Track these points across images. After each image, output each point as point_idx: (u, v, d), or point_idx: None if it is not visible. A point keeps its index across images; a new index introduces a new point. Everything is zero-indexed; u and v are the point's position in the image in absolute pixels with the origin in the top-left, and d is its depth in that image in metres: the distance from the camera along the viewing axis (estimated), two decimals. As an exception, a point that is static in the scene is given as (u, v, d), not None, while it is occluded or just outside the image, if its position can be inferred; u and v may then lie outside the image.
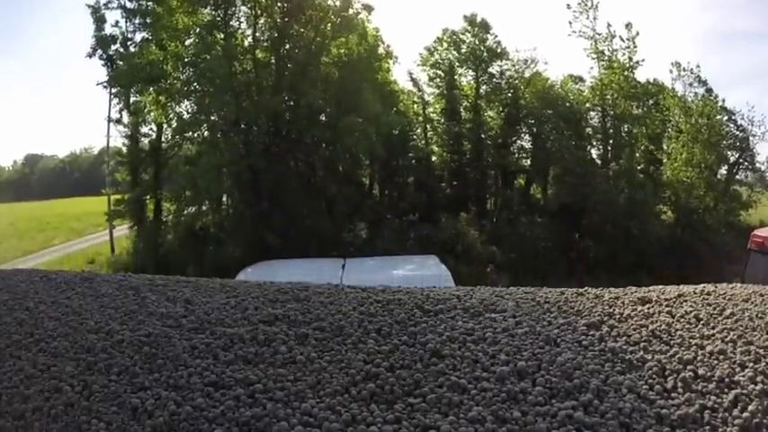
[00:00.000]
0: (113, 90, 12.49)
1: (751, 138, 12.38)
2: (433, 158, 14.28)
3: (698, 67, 12.68)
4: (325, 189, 11.19)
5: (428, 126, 14.29)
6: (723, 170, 12.84)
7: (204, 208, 11.38)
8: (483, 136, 13.96)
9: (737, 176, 12.95)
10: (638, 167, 12.84)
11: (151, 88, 11.30)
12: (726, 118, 12.40)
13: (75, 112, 56.06)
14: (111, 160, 13.47)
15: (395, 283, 5.63)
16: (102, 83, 12.13)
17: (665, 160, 12.94)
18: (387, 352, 1.38)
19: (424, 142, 14.22)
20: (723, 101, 12.43)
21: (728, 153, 12.59)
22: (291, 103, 11.21)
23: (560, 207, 13.17)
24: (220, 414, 1.45)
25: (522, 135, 14.46)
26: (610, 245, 11.77)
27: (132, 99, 12.27)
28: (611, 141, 13.75)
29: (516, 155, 14.38)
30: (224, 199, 11.87)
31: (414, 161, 13.63)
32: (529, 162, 14.57)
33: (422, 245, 10.50)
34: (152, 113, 11.66)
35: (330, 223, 10.35)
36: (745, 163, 12.72)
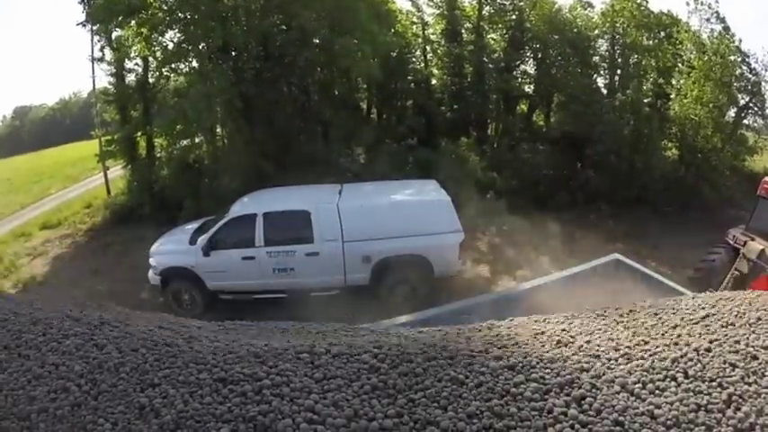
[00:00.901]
0: (93, 28, 11.80)
1: (763, 83, 11.92)
2: (433, 81, 13.76)
3: (717, 2, 11.91)
4: (320, 114, 10.81)
5: (428, 48, 13.69)
6: (731, 113, 12.43)
7: (197, 140, 11.03)
8: (485, 59, 13.38)
9: (745, 121, 12.60)
10: (645, 101, 12.41)
11: (132, 21, 10.62)
12: (740, 59, 11.88)
13: (59, 58, 54.39)
14: (99, 101, 12.97)
15: (394, 208, 5.37)
16: (80, 23, 11.44)
17: (673, 95, 12.45)
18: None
19: (423, 65, 13.65)
20: (740, 41, 11.86)
21: (739, 96, 12.14)
22: (282, 25, 10.57)
23: (563, 135, 12.94)
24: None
25: (526, 60, 13.89)
26: (612, 177, 11.60)
27: (114, 35, 11.59)
28: (618, 71, 13.25)
29: (519, 80, 13.86)
30: (218, 130, 11.49)
31: (413, 84, 13.13)
32: (532, 88, 14.06)
33: (421, 169, 10.24)
34: (135, 47, 11.03)
35: (327, 149, 10.09)
36: (755, 108, 12.30)
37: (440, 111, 13.36)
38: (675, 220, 10.49)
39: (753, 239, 6.92)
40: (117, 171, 12.89)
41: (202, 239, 7.44)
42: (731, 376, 2.09)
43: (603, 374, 2.12)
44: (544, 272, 8.98)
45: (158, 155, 11.45)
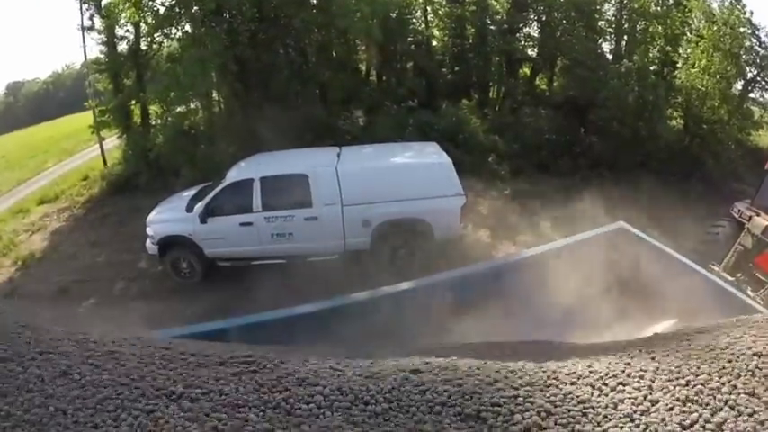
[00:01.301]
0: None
1: (771, 57, 11.55)
2: (434, 43, 13.33)
3: (729, -30, 11.45)
4: (318, 76, 10.51)
5: (428, 8, 13.18)
6: (738, 85, 12.15)
7: (192, 106, 10.79)
8: (488, 21, 12.93)
9: (751, 95, 12.33)
10: (651, 68, 12.06)
11: (121, -15, 10.26)
12: (750, 31, 11.53)
13: (49, 31, 53.32)
14: (91, 71, 12.67)
15: (394, 171, 5.14)
16: (68, -7, 11.03)
17: (679, 64, 12.08)
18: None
19: (423, 26, 13.18)
20: (751, 13, 11.50)
21: (747, 69, 11.85)
22: (277, -15, 10.19)
23: (566, 100, 12.68)
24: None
25: (530, 22, 13.39)
26: (616, 144, 11.37)
27: (103, 2, 11.23)
28: (625, 37, 12.88)
29: (522, 42, 13.38)
30: (213, 95, 11.23)
31: (413, 45, 12.69)
32: (535, 51, 13.61)
33: (421, 132, 10.01)
34: (125, 13, 10.70)
35: (325, 112, 9.84)
36: (763, 81, 12.04)
37: (440, 73, 13.00)
38: (678, 191, 10.35)
39: (758, 215, 6.84)
40: (113, 142, 12.71)
41: (199, 207, 7.30)
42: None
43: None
44: (546, 237, 8.89)
45: (153, 123, 11.21)
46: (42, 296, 7.89)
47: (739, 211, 7.18)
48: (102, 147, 12.57)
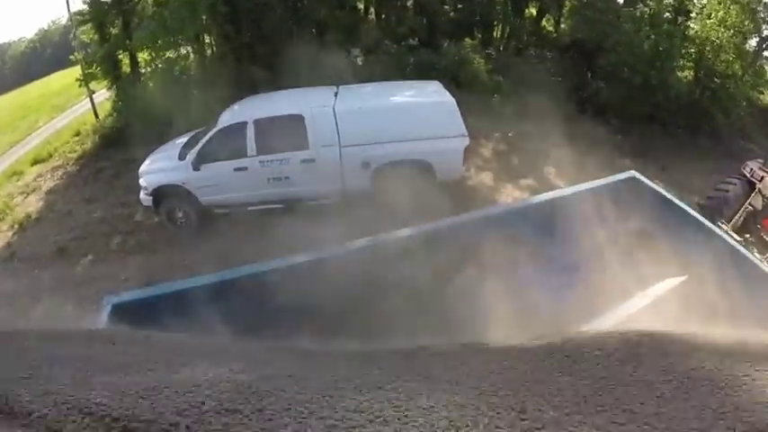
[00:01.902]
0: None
1: (788, 16, 10.94)
2: (436, -21, 12.60)
3: None
4: (313, 14, 9.96)
5: (431, -58, 12.38)
6: (753, 42, 11.74)
7: (182, 51, 10.33)
8: (493, -45, 12.24)
9: (766, 53, 11.98)
10: (665, 15, 11.56)
11: (100, -74, 9.59)
12: None
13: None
14: (75, 23, 12.12)
15: (395, 111, 4.75)
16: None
17: (694, 14, 11.58)
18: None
19: (425, -40, 12.42)
20: None
21: (763, 26, 11.45)
22: None
23: (573, 43, 12.21)
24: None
25: (538, -42, 12.72)
26: (624, 91, 10.92)
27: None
28: None
29: (529, -20, 12.76)
30: (205, 38, 10.73)
31: (414, -19, 12.02)
32: (543, -10, 13.01)
33: (422, 71, 9.62)
34: (108, -44, 10.07)
35: (322, 51, 9.37)
36: None
37: (442, 10, 12.35)
38: (685, 143, 10.10)
39: None
40: (104, 94, 12.31)
41: (191, 154, 7.05)
42: None
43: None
44: (549, 183, 8.71)
45: (143, 71, 10.77)
46: (41, 257, 7.80)
47: (751, 170, 6.98)
48: (92, 100, 12.20)
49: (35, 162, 11.62)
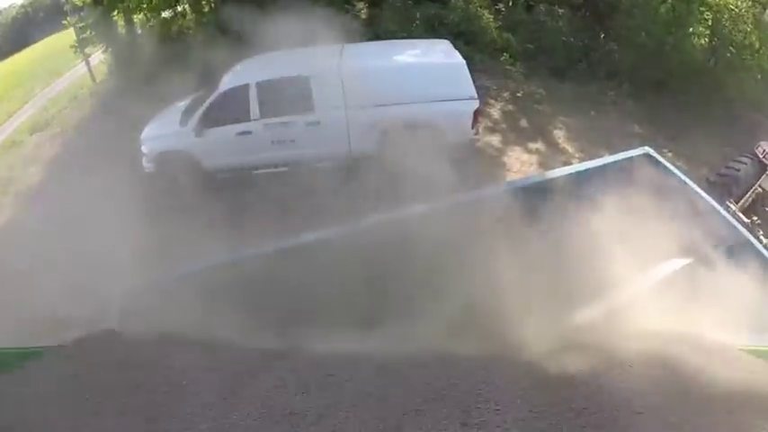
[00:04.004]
0: None
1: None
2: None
3: None
4: (316, -34, 9.50)
5: None
6: None
7: (180, 9, 9.98)
8: None
9: None
10: None
11: None
12: None
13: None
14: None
15: (403, 72, 4.52)
16: None
17: None
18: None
19: None
20: None
21: None
22: None
23: (586, 1, 11.64)
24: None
25: None
26: (637, 55, 10.46)
27: None
28: None
29: (542, -67, 12.02)
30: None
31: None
32: (555, -56, 12.29)
33: (429, 27, 9.31)
34: None
35: (324, 6, 8.97)
36: None
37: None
38: (696, 113, 9.79)
39: None
40: (99, 57, 12.00)
41: (193, 119, 6.92)
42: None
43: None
44: (558, 148, 8.54)
45: (139, 32, 10.43)
46: (45, 232, 7.74)
47: (764, 150, 6.86)
48: (88, 64, 11.89)
49: (33, 131, 11.43)
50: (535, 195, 4.60)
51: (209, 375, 2.65)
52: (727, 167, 7.19)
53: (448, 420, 2.22)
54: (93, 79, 11.82)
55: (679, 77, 10.39)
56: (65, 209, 8.04)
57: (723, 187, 6.70)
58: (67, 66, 16.04)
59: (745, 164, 7.04)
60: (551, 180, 4.91)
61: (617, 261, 3.81)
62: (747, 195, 6.64)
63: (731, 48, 10.67)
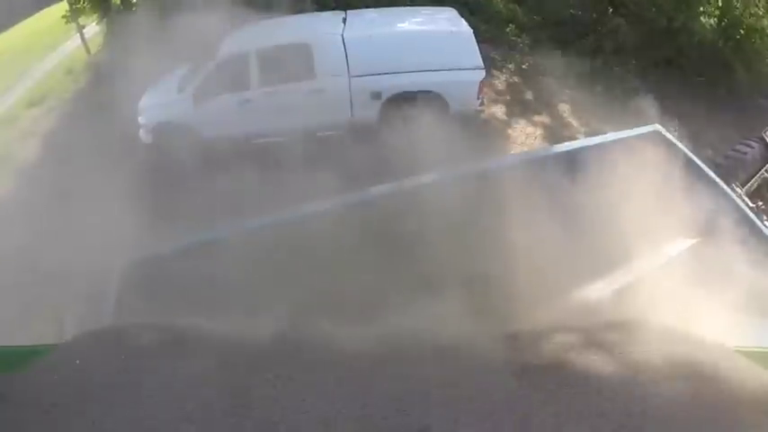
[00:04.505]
0: None
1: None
2: None
3: None
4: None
5: None
6: None
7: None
8: None
9: None
10: None
11: None
12: None
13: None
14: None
15: (408, 39, 4.36)
16: None
17: None
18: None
19: None
20: None
21: None
22: None
23: None
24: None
25: None
26: (645, 31, 10.25)
27: None
28: None
29: None
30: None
31: None
32: None
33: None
34: None
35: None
36: None
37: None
38: (703, 94, 9.66)
39: None
40: (94, 29, 11.78)
41: (192, 88, 6.83)
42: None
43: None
44: (563, 121, 8.42)
45: (134, 1, 10.16)
46: (43, 204, 7.63)
47: None
48: (82, 35, 11.62)
49: (30, 105, 11.23)
50: (541, 169, 4.48)
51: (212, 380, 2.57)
52: (734, 150, 7.13)
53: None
54: (88, 51, 11.59)
55: (687, 57, 10.24)
56: (62, 184, 7.98)
57: (729, 170, 6.64)
58: (62, 39, 15.77)
59: (753, 148, 6.99)
60: (557, 154, 4.84)
61: (623, 239, 3.75)
62: (753, 180, 6.60)
63: (741, 30, 10.50)
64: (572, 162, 4.47)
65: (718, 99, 9.67)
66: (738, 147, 7.16)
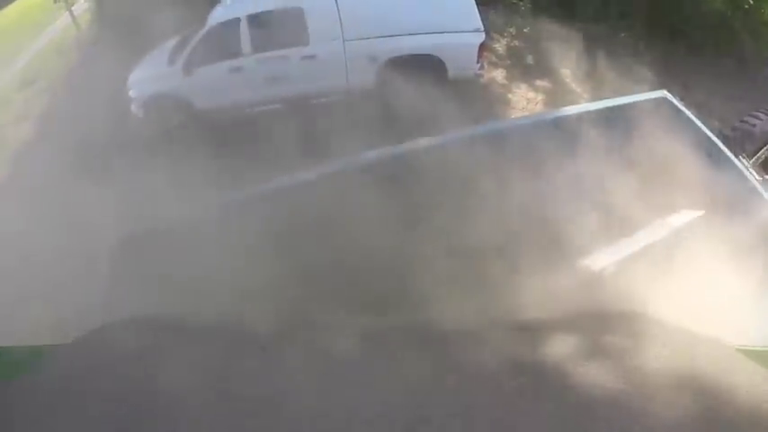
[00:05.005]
0: None
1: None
2: None
3: None
4: None
5: None
6: None
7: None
8: None
9: None
10: None
11: None
12: None
13: None
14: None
15: (404, 1, 4.01)
16: None
17: None
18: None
19: None
20: None
21: None
22: None
23: None
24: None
25: None
26: None
27: None
28: None
29: None
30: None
31: None
32: None
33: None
34: None
35: None
36: None
37: None
38: (710, 64, 9.40)
39: None
40: (83, 6, 11.59)
41: (182, 58, 6.62)
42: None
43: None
44: (566, 87, 8.20)
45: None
46: (40, 187, 7.52)
47: None
48: (71, 12, 11.41)
49: (21, 87, 11.05)
50: (544, 134, 4.35)
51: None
52: (742, 122, 6.94)
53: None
54: (78, 28, 11.38)
55: (695, 26, 9.95)
56: (56, 163, 7.86)
57: (737, 142, 6.49)
58: (52, 18, 15.51)
59: (761, 120, 6.82)
60: (562, 118, 4.67)
61: (628, 208, 3.64)
62: (761, 152, 6.41)
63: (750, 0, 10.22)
64: (577, 126, 4.29)
65: (726, 69, 9.45)
66: (747, 118, 6.98)
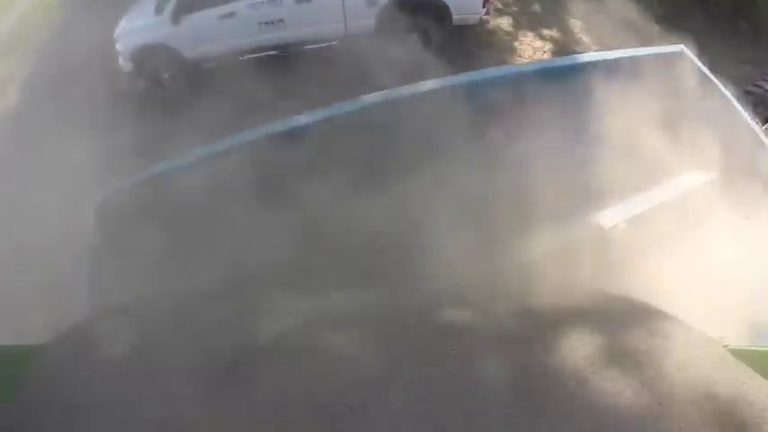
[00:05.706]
0: None
1: None
2: None
3: None
4: None
5: None
6: None
7: None
8: None
9: None
10: None
11: None
12: None
13: None
14: None
15: None
16: None
17: None
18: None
19: None
20: None
21: None
22: None
23: None
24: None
25: None
26: None
27: None
28: None
29: None
30: None
31: None
32: None
33: None
34: None
35: None
36: None
37: None
38: (723, 25, 9.06)
39: None
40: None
41: (169, 5, 6.33)
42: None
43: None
44: (574, 37, 7.92)
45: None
46: (26, 149, 7.28)
47: None
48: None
49: (8, 52, 10.67)
50: (552, 81, 4.08)
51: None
52: (755, 85, 6.81)
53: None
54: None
55: (714, 3, 9.59)
56: (47, 126, 7.59)
57: (749, 106, 6.30)
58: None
59: None
60: (572, 65, 4.41)
61: (639, 164, 3.47)
62: None
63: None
64: (588, 75, 4.05)
65: (739, 32, 9.18)
66: (760, 83, 6.86)
